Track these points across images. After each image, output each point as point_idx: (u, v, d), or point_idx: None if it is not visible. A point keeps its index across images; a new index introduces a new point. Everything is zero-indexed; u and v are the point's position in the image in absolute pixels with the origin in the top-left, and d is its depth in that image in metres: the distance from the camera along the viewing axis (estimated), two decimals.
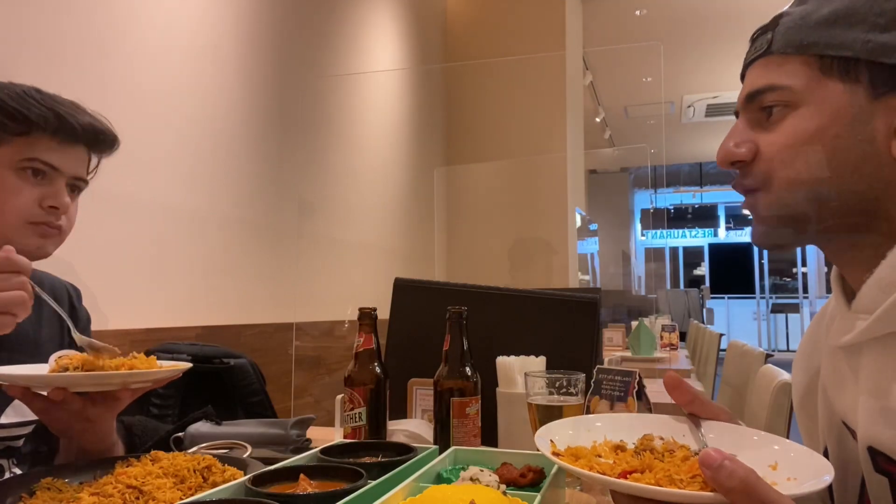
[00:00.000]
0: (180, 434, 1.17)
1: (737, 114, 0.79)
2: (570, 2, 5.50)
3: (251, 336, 2.75)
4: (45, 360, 1.05)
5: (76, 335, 0.97)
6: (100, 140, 1.17)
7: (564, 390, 1.04)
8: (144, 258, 2.24)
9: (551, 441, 0.67)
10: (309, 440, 1.22)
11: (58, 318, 1.18)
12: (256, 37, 2.96)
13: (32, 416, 1.09)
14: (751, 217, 0.78)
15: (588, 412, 1.09)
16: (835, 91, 0.69)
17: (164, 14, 2.36)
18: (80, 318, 1.29)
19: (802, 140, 0.70)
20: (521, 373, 1.13)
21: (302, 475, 0.78)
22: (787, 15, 0.73)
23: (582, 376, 1.05)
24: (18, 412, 1.10)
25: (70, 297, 1.28)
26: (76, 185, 1.16)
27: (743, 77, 0.80)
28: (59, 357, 1.01)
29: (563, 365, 1.09)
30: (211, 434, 1.17)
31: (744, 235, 14.82)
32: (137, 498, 0.78)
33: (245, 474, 0.83)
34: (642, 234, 14.40)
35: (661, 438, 0.70)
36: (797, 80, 0.71)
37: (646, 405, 1.05)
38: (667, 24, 7.12)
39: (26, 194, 1.08)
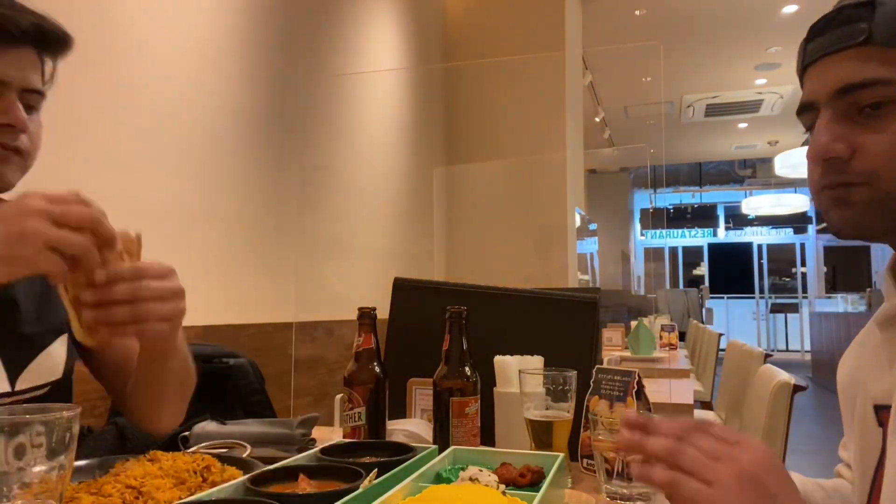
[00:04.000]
0: (186, 433, 1.17)
1: (810, 105, 0.75)
2: (570, 2, 5.50)
3: (250, 336, 2.75)
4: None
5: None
6: (49, 39, 1.00)
7: (560, 387, 1.04)
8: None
9: None
10: (314, 440, 1.22)
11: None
12: (256, 37, 2.96)
13: (47, 380, 1.02)
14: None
15: (587, 412, 1.09)
16: None
17: (164, 14, 2.36)
18: None
19: None
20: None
21: (301, 475, 0.78)
22: (882, 4, 0.69)
23: (574, 374, 1.05)
24: (36, 376, 1.02)
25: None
26: (31, 100, 0.99)
27: (804, 68, 0.76)
28: None
29: (562, 365, 1.09)
30: (217, 433, 1.17)
31: (743, 235, 14.83)
32: (136, 498, 0.78)
33: (244, 474, 0.82)
34: (642, 234, 14.41)
35: None
36: None
37: (645, 405, 1.05)
38: (666, 23, 7.12)
39: None
